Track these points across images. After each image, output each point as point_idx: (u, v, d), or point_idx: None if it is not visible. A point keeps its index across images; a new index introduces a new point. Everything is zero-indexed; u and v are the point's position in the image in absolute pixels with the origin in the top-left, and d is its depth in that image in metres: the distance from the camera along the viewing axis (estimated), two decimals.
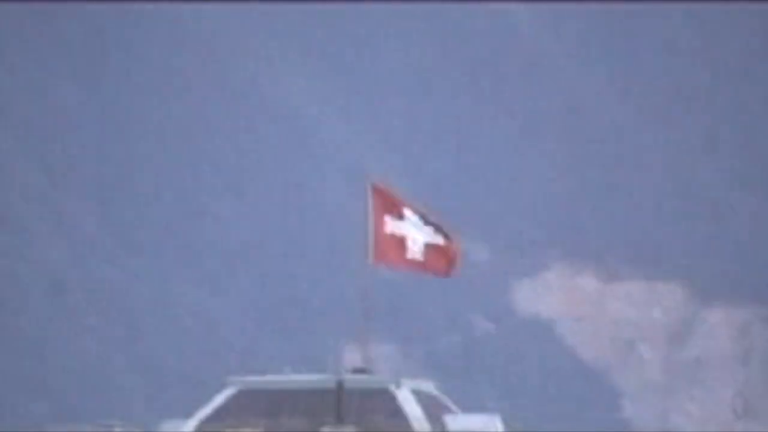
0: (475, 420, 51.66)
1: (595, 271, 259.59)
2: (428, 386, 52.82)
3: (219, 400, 53.36)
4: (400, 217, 52.57)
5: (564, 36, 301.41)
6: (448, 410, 52.37)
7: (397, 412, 50.82)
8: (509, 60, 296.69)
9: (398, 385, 51.89)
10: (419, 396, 52.14)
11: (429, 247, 52.69)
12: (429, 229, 52.30)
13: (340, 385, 52.13)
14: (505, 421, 53.17)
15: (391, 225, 53.31)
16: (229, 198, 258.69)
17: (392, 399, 51.26)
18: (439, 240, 52.55)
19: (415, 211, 53.00)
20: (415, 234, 52.63)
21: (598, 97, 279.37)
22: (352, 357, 64.17)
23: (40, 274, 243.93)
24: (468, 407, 52.56)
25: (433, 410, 51.31)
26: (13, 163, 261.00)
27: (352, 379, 52.96)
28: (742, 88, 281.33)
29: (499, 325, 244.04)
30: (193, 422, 51.76)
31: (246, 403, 52.33)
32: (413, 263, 54.10)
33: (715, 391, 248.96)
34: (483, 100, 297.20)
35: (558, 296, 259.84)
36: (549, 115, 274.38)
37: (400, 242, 53.09)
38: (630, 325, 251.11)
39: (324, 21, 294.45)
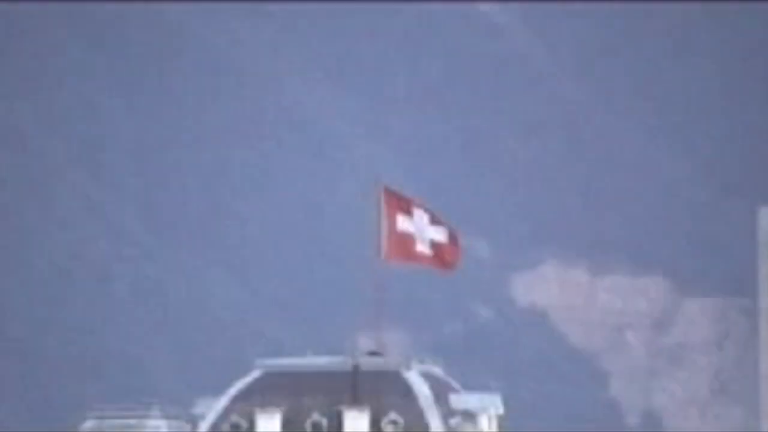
0: (477, 399, 52.14)
1: (585, 265, 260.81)
2: (435, 369, 53.27)
3: (247, 380, 53.71)
4: (410, 216, 52.83)
5: (557, 51, 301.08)
6: (453, 390, 52.69)
7: (407, 392, 51.31)
8: (508, 75, 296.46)
9: (408, 368, 52.26)
10: (427, 377, 52.53)
11: (435, 244, 52.98)
12: (435, 228, 52.66)
13: (356, 367, 52.46)
14: (504, 400, 53.55)
15: (401, 224, 53.66)
16: (256, 201, 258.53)
17: (403, 380, 51.71)
18: (445, 238, 52.82)
19: (424, 212, 53.38)
20: (423, 232, 52.87)
21: (589, 108, 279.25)
22: (366, 342, 64.32)
23: (88, 269, 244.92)
24: (470, 387, 52.78)
25: (440, 390, 51.77)
26: (65, 170, 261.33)
27: (366, 362, 53.32)
28: (721, 97, 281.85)
29: (498, 313, 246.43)
30: (224, 400, 52.31)
31: (271, 383, 52.78)
32: (421, 258, 54.35)
33: (694, 373, 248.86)
34: (484, 112, 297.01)
35: (552, 288, 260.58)
36: (544, 125, 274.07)
37: (410, 240, 53.35)
38: (617, 313, 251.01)
39: (341, 43, 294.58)
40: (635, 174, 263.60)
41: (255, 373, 49.54)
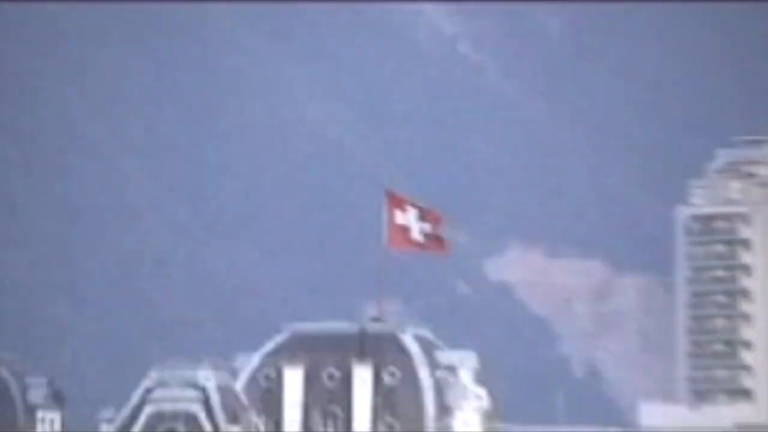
0: (457, 356, 52.16)
1: (542, 250, 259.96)
2: (424, 332, 53.13)
3: (276, 340, 53.80)
4: (405, 212, 52.55)
5: (521, 75, 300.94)
6: (439, 349, 52.66)
7: (402, 350, 51.31)
8: (478, 99, 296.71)
9: (403, 331, 52.24)
10: (418, 339, 52.46)
11: (426, 234, 52.72)
12: (425, 221, 52.41)
13: (362, 330, 52.37)
14: (478, 357, 53.57)
15: (399, 218, 53.44)
16: (286, 199, 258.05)
17: (399, 341, 51.64)
18: (432, 229, 52.56)
19: (414, 208, 53.11)
20: (416, 225, 52.67)
21: (545, 121, 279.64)
22: (370, 311, 63.80)
23: (146, 255, 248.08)
24: (452, 347, 52.72)
25: (428, 348, 51.76)
26: (124, 165, 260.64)
27: (370, 327, 53.29)
28: (642, 113, 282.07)
29: (474, 288, 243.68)
30: (258, 356, 52.36)
31: (295, 343, 52.78)
32: (415, 245, 54.24)
33: (626, 335, 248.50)
34: (462, 127, 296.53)
35: (516, 268, 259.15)
36: (508, 138, 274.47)
37: (406, 231, 53.13)
38: (567, 288, 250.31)
39: (346, 62, 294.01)
40: (580, 177, 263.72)
41: (283, 335, 51.43)
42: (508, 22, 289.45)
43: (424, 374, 51.94)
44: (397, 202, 51.42)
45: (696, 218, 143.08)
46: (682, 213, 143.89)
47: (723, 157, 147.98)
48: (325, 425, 50.56)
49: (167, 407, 47.59)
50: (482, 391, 52.95)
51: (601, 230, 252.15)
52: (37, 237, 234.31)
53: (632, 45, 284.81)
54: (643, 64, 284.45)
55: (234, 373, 52.19)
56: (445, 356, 52.02)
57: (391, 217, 50.98)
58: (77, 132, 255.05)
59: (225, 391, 47.30)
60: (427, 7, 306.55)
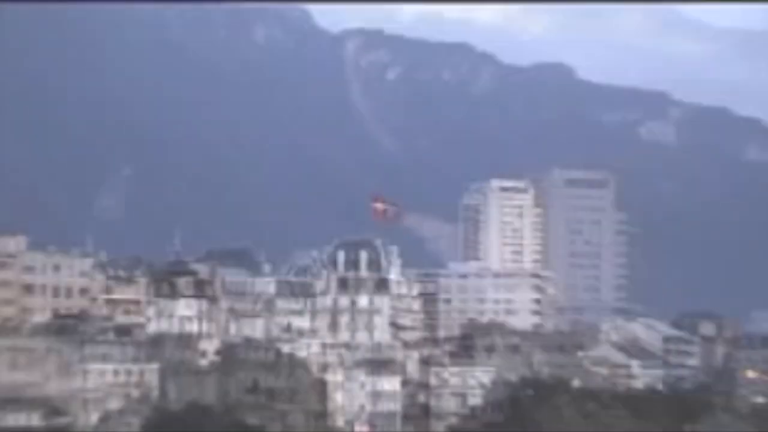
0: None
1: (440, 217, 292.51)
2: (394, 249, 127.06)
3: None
4: (382, 203, 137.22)
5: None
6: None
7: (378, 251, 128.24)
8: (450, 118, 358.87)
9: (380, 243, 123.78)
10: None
11: (391, 212, 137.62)
12: (391, 207, 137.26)
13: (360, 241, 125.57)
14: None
15: (379, 206, 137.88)
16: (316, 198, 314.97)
17: (375, 246, 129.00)
18: (393, 211, 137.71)
19: (383, 201, 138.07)
20: (387, 208, 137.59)
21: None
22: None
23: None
24: None
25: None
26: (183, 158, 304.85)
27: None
28: None
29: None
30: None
31: None
32: (386, 218, 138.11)
33: None
34: (420, 138, 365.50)
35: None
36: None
37: (383, 212, 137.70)
38: None
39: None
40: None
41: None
42: None
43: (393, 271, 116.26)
44: (378, 198, 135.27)
45: None
46: None
47: None
48: None
49: None
50: None
51: None
52: None
53: None
54: None
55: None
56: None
57: (375, 204, 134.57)
58: None
59: None
60: None
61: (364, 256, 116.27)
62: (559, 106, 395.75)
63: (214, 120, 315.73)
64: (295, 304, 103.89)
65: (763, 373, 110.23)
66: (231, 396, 73.66)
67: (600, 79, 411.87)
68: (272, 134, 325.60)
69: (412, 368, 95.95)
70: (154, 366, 73.66)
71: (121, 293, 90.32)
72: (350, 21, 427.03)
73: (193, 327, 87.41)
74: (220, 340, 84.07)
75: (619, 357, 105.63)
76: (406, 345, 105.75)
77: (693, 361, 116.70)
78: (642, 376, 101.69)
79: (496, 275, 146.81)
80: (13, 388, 56.98)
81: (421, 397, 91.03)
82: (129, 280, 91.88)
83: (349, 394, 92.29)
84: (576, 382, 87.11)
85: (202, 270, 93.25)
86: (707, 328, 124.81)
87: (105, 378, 70.97)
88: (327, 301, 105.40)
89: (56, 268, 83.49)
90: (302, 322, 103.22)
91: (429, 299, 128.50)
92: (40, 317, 79.76)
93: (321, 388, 74.99)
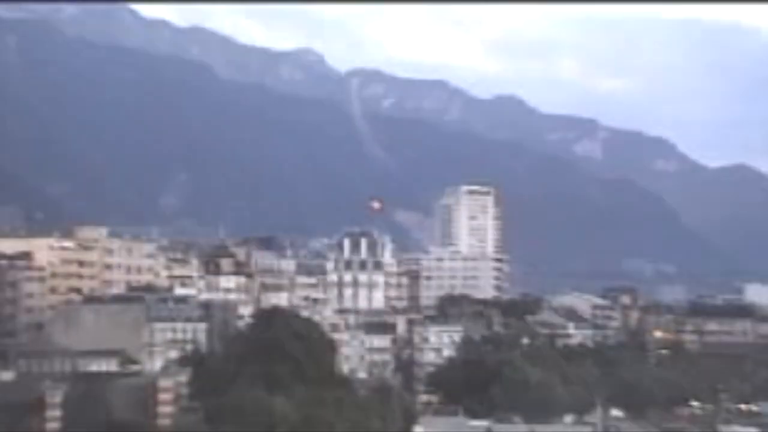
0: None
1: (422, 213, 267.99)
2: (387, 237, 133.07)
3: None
4: (377, 202, 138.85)
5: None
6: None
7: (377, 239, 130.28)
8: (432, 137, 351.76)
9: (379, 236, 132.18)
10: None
11: (380, 208, 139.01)
12: (379, 204, 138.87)
13: (360, 232, 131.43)
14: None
15: (375, 205, 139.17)
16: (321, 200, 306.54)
17: (374, 237, 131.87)
18: (379, 207, 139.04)
19: (377, 200, 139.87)
20: (379, 205, 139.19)
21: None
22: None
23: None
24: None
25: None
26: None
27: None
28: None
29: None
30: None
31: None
32: (378, 213, 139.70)
33: None
34: (406, 153, 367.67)
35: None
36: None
37: (374, 207, 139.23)
38: None
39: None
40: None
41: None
42: None
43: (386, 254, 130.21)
44: (374, 199, 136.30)
45: None
46: None
47: None
48: None
49: None
50: None
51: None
52: None
53: None
54: None
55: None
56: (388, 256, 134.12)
57: (372, 203, 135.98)
58: None
59: None
60: None
61: (364, 243, 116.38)
62: (513, 129, 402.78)
63: (248, 138, 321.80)
64: (311, 280, 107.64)
65: (666, 332, 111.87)
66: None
67: (545, 108, 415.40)
68: (293, 149, 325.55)
69: (401, 329, 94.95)
70: (203, 326, 74.08)
71: (179, 270, 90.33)
72: (354, 61, 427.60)
73: (233, 297, 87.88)
74: (254, 307, 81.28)
75: (559, 320, 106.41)
76: (396, 311, 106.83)
77: (615, 324, 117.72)
78: (576, 336, 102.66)
79: (465, 259, 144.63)
80: (97, 342, 57.82)
81: (407, 351, 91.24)
82: (184, 261, 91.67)
83: (353, 348, 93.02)
84: (525, 340, 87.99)
85: (240, 253, 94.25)
86: (626, 299, 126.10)
87: (166, 335, 71.39)
88: (335, 277, 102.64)
89: (129, 251, 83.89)
90: (317, 294, 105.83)
91: (413, 276, 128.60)
92: (117, 289, 78.00)
93: (331, 344, 76.61)
